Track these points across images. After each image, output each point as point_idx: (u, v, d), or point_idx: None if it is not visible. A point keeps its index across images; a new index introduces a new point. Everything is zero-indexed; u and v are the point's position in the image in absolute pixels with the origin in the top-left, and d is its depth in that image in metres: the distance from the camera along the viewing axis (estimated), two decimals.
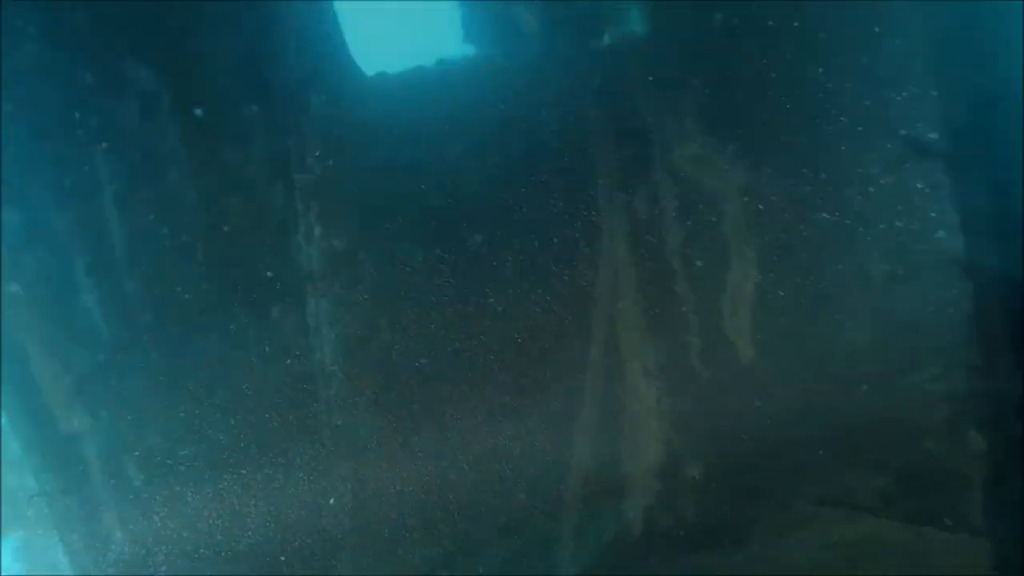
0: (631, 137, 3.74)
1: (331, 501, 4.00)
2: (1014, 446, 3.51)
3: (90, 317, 3.88)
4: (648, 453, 3.77)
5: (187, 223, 3.69)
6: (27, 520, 4.81)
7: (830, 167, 3.49)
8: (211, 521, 4.12)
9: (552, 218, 3.80)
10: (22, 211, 3.68)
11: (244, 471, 3.87)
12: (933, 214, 3.47)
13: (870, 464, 3.64)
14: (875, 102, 3.45)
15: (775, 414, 3.55)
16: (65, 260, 3.83)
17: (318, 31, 3.63)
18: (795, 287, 3.62)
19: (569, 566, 3.89)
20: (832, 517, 3.52)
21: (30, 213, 3.64)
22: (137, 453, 4.06)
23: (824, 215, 3.53)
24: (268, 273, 3.96)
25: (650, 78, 3.65)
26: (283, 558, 4.05)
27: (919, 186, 3.48)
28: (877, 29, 3.47)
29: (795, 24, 3.54)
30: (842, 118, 3.48)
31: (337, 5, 3.57)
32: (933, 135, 3.44)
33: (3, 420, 4.35)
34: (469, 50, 3.76)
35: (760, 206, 3.60)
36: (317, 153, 3.84)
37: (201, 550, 4.06)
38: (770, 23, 3.53)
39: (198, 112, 3.79)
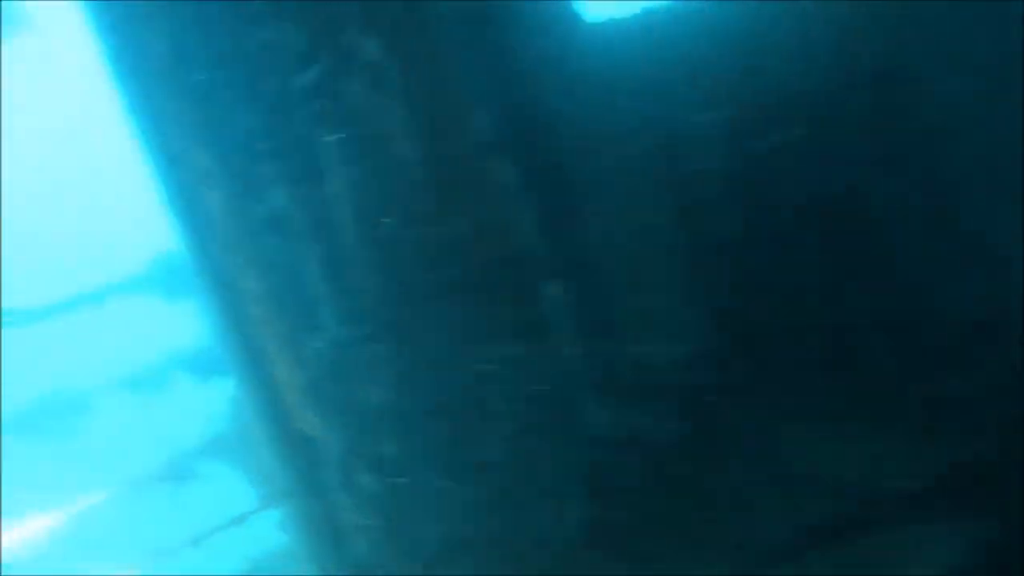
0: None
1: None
2: None
3: (323, 311, 3.85)
4: None
5: (422, 205, 3.54)
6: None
7: None
8: (448, 523, 3.94)
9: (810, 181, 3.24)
10: (258, 200, 3.70)
11: (491, 476, 3.65)
12: None
13: None
14: None
15: None
16: (299, 250, 3.83)
17: None
18: None
19: None
20: None
21: (263, 201, 3.64)
22: (373, 456, 3.96)
23: None
24: (510, 257, 3.73)
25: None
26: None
27: None
28: None
29: None
30: None
31: None
32: None
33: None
34: None
35: None
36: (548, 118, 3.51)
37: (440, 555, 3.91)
38: None
39: (427, 83, 3.65)
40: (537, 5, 3.18)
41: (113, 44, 3.83)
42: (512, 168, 3.75)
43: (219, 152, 3.76)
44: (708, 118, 3.29)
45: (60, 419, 7.83)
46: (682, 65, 3.27)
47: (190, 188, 3.94)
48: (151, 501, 8.27)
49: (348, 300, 3.79)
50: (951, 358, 3.27)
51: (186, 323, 8.32)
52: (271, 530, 9.69)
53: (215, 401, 8.70)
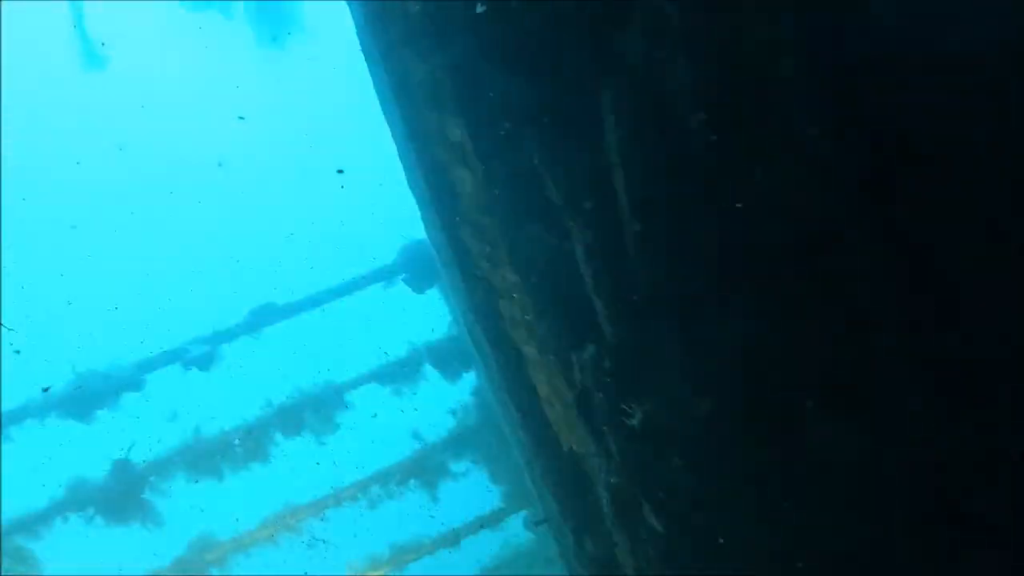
0: None
1: None
2: None
3: (595, 308, 3.21)
4: None
5: (715, 179, 2.83)
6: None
7: None
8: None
9: None
10: (516, 181, 3.16)
11: (813, 516, 2.90)
12: None
13: None
14: None
15: None
16: (565, 238, 3.22)
17: None
18: None
19: None
20: None
21: (522, 181, 3.09)
22: (659, 487, 3.29)
23: None
24: (819, 238, 2.93)
25: None
26: None
27: None
28: None
29: None
30: None
31: None
32: None
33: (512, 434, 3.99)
34: None
35: None
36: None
37: None
38: None
39: (718, 31, 2.94)
40: None
41: (367, 14, 3.54)
42: (819, 128, 2.97)
43: (474, 127, 3.31)
44: None
45: (319, 413, 8.03)
46: None
47: (440, 169, 3.52)
48: (401, 498, 8.32)
49: (626, 296, 3.17)
50: None
51: (437, 314, 8.23)
52: (521, 531, 9.53)
53: (463, 395, 8.56)
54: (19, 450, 6.97)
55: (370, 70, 4.09)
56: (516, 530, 9.22)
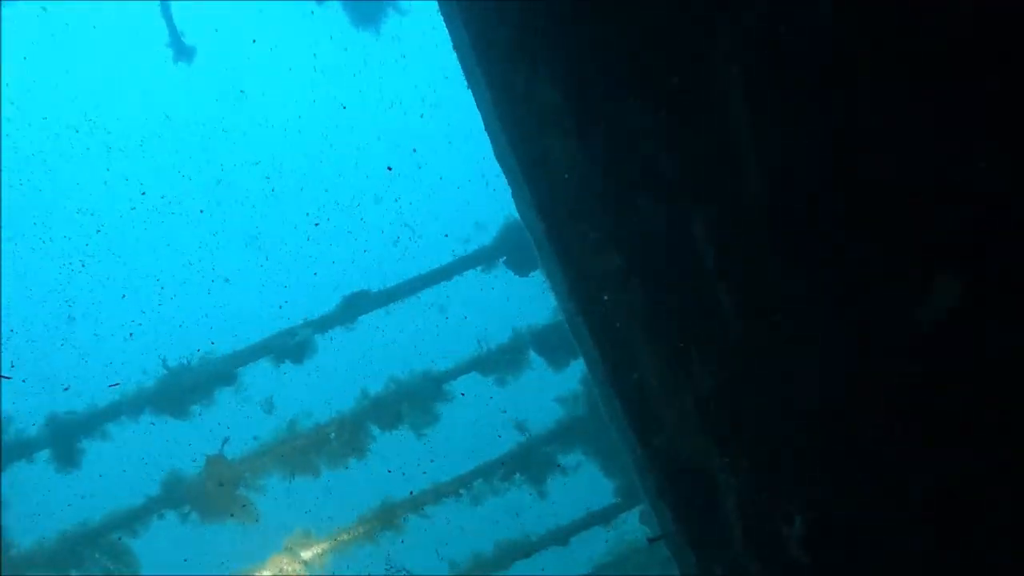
0: None
1: None
2: None
3: (715, 300, 2.70)
4: None
5: (854, 143, 2.29)
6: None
7: None
8: None
9: None
10: (619, 152, 2.68)
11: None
12: None
13: None
14: None
15: None
16: (677, 217, 2.72)
17: None
18: None
19: None
20: None
21: (624, 152, 2.62)
22: (794, 503, 2.78)
23: None
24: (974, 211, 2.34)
25: None
26: None
27: None
28: None
29: None
30: None
31: None
32: None
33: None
34: None
35: None
36: None
37: None
38: None
39: None
40: None
41: None
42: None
43: (570, 87, 2.84)
44: None
45: (417, 405, 7.78)
46: None
47: (529, 137, 3.06)
48: (506, 493, 8.00)
49: (757, 282, 2.64)
50: None
51: (541, 297, 7.80)
52: (637, 527, 9.07)
53: (571, 383, 8.12)
54: (115, 447, 7.02)
55: (449, 30, 3.67)
56: (631, 527, 8.76)
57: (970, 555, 2.68)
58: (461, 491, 7.74)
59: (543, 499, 8.17)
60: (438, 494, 7.65)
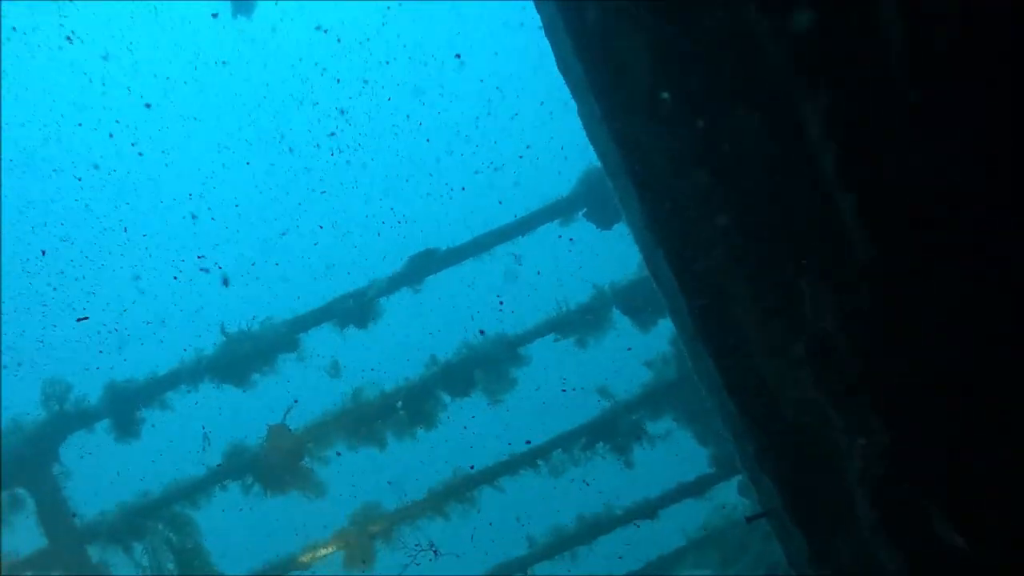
0: None
1: None
2: None
3: (837, 219, 2.17)
4: None
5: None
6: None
7: None
8: None
9: None
10: (700, 47, 2.17)
11: None
12: None
13: None
14: None
15: None
16: (784, 117, 2.21)
17: None
18: None
19: None
20: None
21: (712, 44, 2.11)
22: (947, 487, 2.25)
23: None
24: None
25: None
26: None
27: None
28: None
29: None
30: None
31: None
32: None
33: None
34: None
35: None
36: None
37: None
38: None
39: None
40: None
41: None
42: None
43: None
44: None
45: (491, 370, 7.38)
46: None
47: (598, 34, 2.54)
48: (588, 464, 7.56)
49: (894, 194, 2.08)
50: None
51: (626, 252, 7.24)
52: (735, 498, 8.51)
53: (660, 344, 7.56)
54: (176, 417, 6.87)
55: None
56: (729, 498, 8.18)
57: None
58: (539, 462, 7.32)
59: (629, 470, 7.67)
60: (514, 465, 7.26)
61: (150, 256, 25.22)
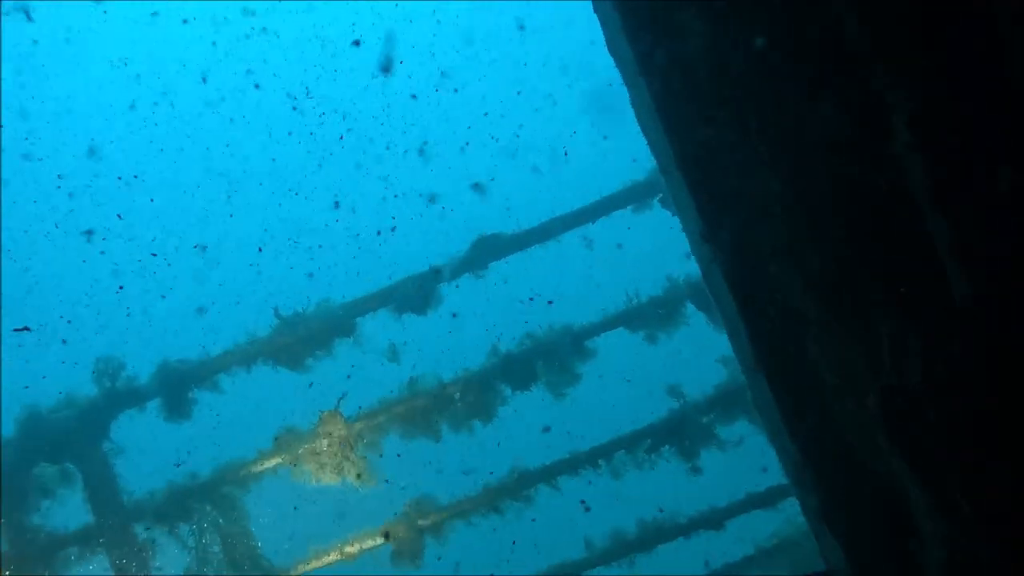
0: None
1: None
2: None
3: (928, 247, 1.85)
4: None
5: None
6: None
7: None
8: None
9: None
10: (770, 22, 1.88)
11: None
12: None
13: None
14: None
15: None
16: (871, 116, 1.89)
17: None
18: None
19: None
20: None
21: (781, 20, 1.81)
22: None
23: None
24: None
25: None
26: None
27: None
28: None
29: None
30: None
31: None
32: None
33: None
34: None
35: None
36: None
37: None
38: None
39: None
40: None
41: None
42: None
43: None
44: None
45: (554, 363, 7.13)
46: None
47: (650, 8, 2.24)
48: (653, 467, 7.25)
49: (998, 218, 1.73)
50: None
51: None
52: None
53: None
54: (227, 399, 6.86)
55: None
56: (800, 512, 7.75)
57: None
58: (600, 462, 7.06)
59: (696, 476, 7.32)
60: (574, 464, 7.02)
61: (211, 234, 25.53)
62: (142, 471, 6.92)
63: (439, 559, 6.89)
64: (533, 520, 7.06)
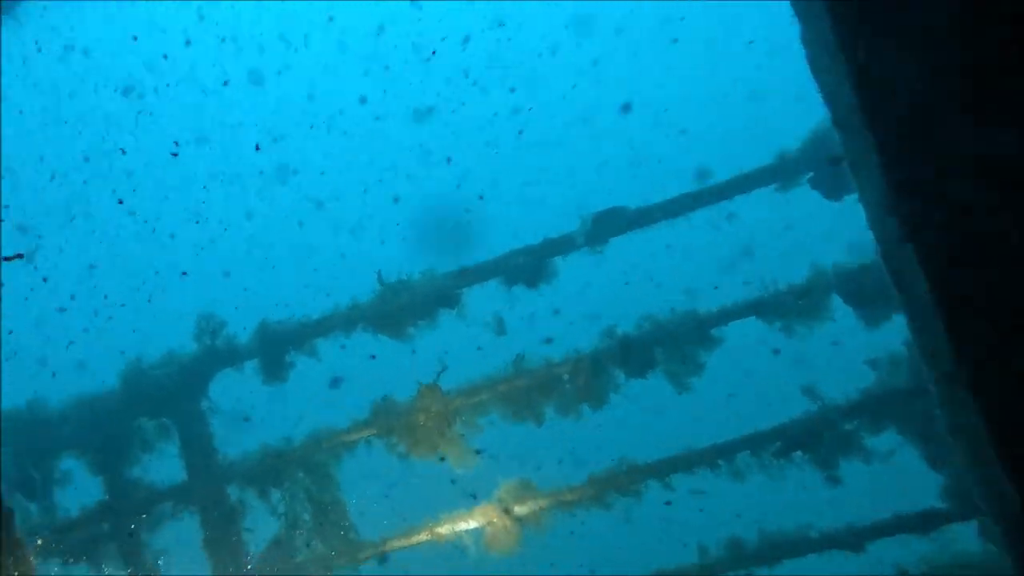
0: None
1: None
2: None
3: None
4: None
5: None
6: None
7: None
8: None
9: None
10: None
11: None
12: None
13: None
14: None
15: None
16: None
17: None
18: None
19: None
20: None
21: None
22: None
23: None
24: None
25: None
26: None
27: None
28: None
29: None
30: None
31: None
32: None
33: None
34: None
35: None
36: None
37: None
38: None
39: None
40: None
41: None
42: None
43: None
44: None
45: (676, 350, 6.62)
46: None
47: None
48: (781, 473, 6.60)
49: None
50: None
51: (857, 228, 6.18)
52: (969, 542, 7.17)
53: (891, 343, 6.43)
54: (324, 365, 6.77)
55: None
56: (961, 542, 6.85)
57: None
58: (720, 461, 6.48)
59: (834, 487, 6.62)
60: (690, 462, 6.47)
61: (315, 199, 25.86)
62: (238, 433, 7.00)
63: (534, 550, 6.59)
64: (641, 518, 6.62)
